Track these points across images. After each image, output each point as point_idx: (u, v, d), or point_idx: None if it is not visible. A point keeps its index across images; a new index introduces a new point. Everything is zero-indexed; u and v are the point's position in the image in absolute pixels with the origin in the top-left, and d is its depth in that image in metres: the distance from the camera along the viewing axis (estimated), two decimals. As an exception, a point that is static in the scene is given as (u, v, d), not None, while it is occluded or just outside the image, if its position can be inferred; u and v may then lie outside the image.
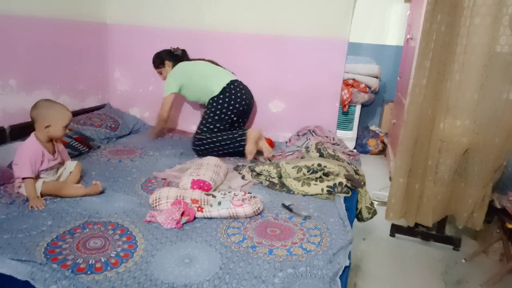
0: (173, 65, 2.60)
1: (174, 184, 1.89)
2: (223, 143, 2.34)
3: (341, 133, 4.18)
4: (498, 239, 2.27)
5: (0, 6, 2.10)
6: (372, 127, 4.43)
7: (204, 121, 2.44)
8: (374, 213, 2.06)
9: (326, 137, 2.49)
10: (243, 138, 2.32)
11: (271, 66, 2.73)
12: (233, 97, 2.43)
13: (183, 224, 1.50)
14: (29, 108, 2.32)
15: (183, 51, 2.68)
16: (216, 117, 2.43)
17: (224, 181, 2.01)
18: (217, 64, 2.64)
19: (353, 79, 4.07)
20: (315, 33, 2.61)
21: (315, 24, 2.59)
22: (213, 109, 2.43)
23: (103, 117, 2.70)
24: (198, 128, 2.45)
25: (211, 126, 2.42)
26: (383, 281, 2.12)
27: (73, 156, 2.19)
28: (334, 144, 2.43)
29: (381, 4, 4.40)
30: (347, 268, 1.32)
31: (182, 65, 2.58)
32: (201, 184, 1.79)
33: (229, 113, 2.44)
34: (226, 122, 2.45)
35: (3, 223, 1.44)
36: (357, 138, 4.35)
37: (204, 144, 2.35)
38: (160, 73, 2.71)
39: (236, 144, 2.33)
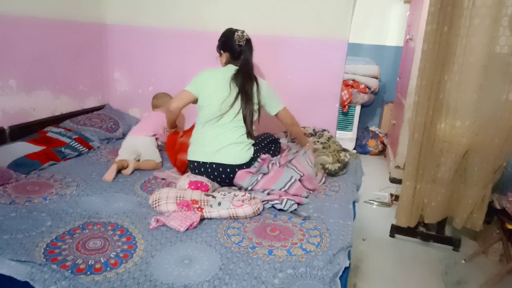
0: (228, 60, 2.09)
1: (173, 185, 1.89)
2: None
3: (341, 134, 4.19)
4: (497, 239, 2.27)
5: (0, 6, 2.10)
6: (372, 128, 4.44)
7: None
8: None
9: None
10: None
11: (270, 67, 2.73)
12: (198, 175, 1.93)
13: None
14: (29, 108, 2.34)
15: (248, 42, 2.06)
16: None
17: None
18: (249, 110, 1.98)
19: (353, 80, 4.07)
20: (315, 34, 2.61)
21: (315, 25, 2.59)
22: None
23: (103, 118, 2.70)
24: None
25: None
26: (383, 281, 2.12)
27: (72, 157, 2.20)
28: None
29: (380, 5, 4.40)
30: (347, 268, 1.32)
31: (206, 75, 2.04)
32: (199, 185, 1.79)
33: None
34: None
35: (2, 223, 1.43)
36: (356, 138, 4.36)
37: None
38: None
39: None
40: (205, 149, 1.94)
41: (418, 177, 2.24)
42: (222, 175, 1.93)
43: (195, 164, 1.95)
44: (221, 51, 2.13)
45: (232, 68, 2.05)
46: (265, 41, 2.68)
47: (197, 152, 1.96)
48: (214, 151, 1.93)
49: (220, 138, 1.95)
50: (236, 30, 2.08)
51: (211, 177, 1.93)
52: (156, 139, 2.32)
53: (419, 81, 2.09)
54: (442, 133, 2.16)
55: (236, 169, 1.92)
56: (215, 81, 2.01)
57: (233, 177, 1.93)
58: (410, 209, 2.28)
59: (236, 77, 2.00)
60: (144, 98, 3.00)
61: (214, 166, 1.92)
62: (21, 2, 2.22)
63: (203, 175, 1.94)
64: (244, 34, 2.07)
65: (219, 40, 2.14)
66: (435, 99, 2.11)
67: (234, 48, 2.05)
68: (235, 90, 1.98)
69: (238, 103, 1.97)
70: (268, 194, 1.82)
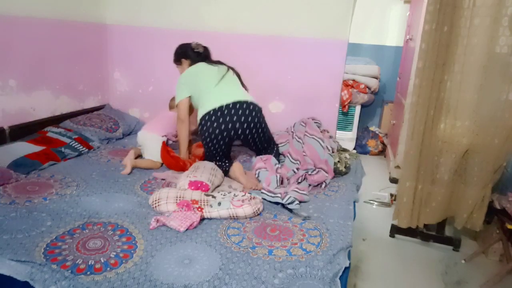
0: (191, 64, 2.30)
1: (173, 185, 1.90)
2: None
3: (341, 134, 4.19)
4: (497, 239, 2.27)
5: (0, 6, 2.10)
6: (372, 128, 4.43)
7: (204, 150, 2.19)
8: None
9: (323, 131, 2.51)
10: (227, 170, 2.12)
11: (270, 67, 2.73)
12: (219, 121, 2.05)
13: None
14: (29, 108, 2.34)
15: (206, 49, 2.36)
16: (204, 142, 2.13)
17: (224, 181, 2.01)
18: (237, 75, 2.32)
19: (353, 80, 4.07)
20: (315, 34, 2.61)
21: (315, 25, 2.59)
22: (201, 134, 2.14)
23: (103, 118, 2.70)
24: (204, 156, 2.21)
25: (208, 153, 2.14)
26: (383, 281, 2.12)
27: (72, 157, 2.20)
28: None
29: (380, 5, 4.40)
30: (347, 268, 1.32)
31: (192, 69, 2.26)
32: (199, 185, 1.79)
33: (215, 134, 2.07)
34: (214, 141, 2.10)
35: (2, 223, 1.43)
36: (356, 138, 4.36)
37: None
38: (179, 70, 2.39)
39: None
40: (222, 95, 2.11)
41: (419, 177, 2.23)
42: (246, 112, 2.07)
43: (215, 109, 2.04)
44: (182, 59, 2.32)
45: (201, 62, 2.27)
46: (265, 41, 2.68)
47: (215, 99, 2.09)
48: (232, 93, 2.13)
49: (231, 86, 2.20)
50: (191, 42, 2.32)
51: (234, 119, 2.04)
52: (167, 139, 2.34)
53: (418, 81, 2.08)
54: (441, 133, 2.16)
55: (257, 108, 2.13)
56: (196, 68, 2.25)
57: (256, 118, 2.11)
58: (411, 210, 2.28)
59: (210, 62, 2.30)
60: (144, 98, 3.00)
61: (237, 106, 2.06)
62: (21, 2, 2.22)
63: (221, 126, 2.03)
64: (200, 43, 2.32)
65: (175, 53, 2.35)
66: (435, 99, 2.11)
67: (193, 55, 2.29)
68: (216, 65, 2.26)
69: (228, 68, 2.27)
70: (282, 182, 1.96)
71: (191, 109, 2.36)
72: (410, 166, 2.20)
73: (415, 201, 2.27)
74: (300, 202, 1.77)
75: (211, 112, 2.06)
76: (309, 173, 2.03)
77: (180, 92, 2.24)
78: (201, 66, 2.26)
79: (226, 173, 2.09)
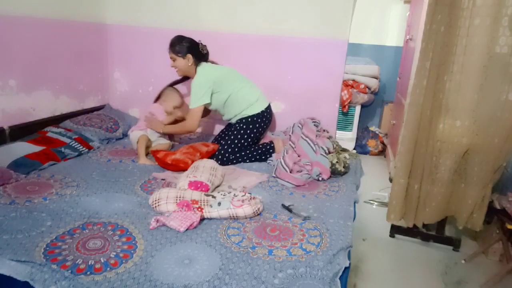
0: (195, 62, 2.37)
1: (173, 185, 1.90)
2: (253, 158, 2.40)
3: (341, 134, 4.19)
4: (497, 239, 2.27)
5: (0, 6, 2.10)
6: (372, 128, 4.43)
7: (232, 141, 2.36)
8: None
9: (321, 130, 2.51)
10: (270, 151, 2.42)
11: (270, 67, 2.73)
12: (267, 122, 2.48)
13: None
14: (29, 108, 2.34)
15: (207, 52, 2.46)
16: (246, 136, 2.39)
17: (223, 181, 2.01)
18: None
19: (353, 80, 4.07)
20: (315, 34, 2.61)
21: (315, 25, 2.59)
22: (246, 129, 2.39)
23: (103, 118, 2.71)
24: (228, 146, 2.34)
25: (240, 145, 2.38)
26: (383, 281, 2.12)
27: (72, 157, 2.20)
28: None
29: (380, 5, 4.40)
30: (347, 269, 1.32)
31: (215, 72, 2.37)
32: (198, 185, 1.79)
33: (260, 132, 2.47)
34: (256, 138, 2.48)
35: (2, 223, 1.43)
36: (356, 138, 4.36)
37: (233, 162, 2.35)
38: (174, 60, 2.39)
39: (265, 156, 2.42)
40: (260, 93, 2.49)
41: (417, 176, 2.23)
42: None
43: (266, 109, 2.44)
44: (189, 55, 2.35)
45: (206, 63, 2.43)
46: (265, 41, 2.68)
47: (259, 100, 2.44)
48: (258, 90, 2.50)
49: (252, 83, 2.50)
50: (198, 41, 2.41)
51: (269, 117, 2.49)
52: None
53: (415, 81, 2.09)
54: (441, 133, 2.16)
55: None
56: (218, 70, 2.43)
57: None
58: (404, 207, 2.27)
59: (212, 63, 2.52)
60: (144, 98, 3.00)
61: (270, 105, 2.51)
62: (21, 2, 2.22)
63: (269, 121, 2.49)
64: (205, 45, 2.46)
65: (181, 45, 2.36)
66: (434, 99, 2.11)
67: (200, 54, 2.39)
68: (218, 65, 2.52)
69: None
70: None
71: (207, 112, 2.51)
72: (404, 165, 2.20)
73: (409, 199, 2.27)
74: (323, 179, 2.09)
75: (265, 113, 2.44)
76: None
77: (201, 97, 2.32)
78: (216, 66, 2.45)
79: (271, 149, 2.42)
